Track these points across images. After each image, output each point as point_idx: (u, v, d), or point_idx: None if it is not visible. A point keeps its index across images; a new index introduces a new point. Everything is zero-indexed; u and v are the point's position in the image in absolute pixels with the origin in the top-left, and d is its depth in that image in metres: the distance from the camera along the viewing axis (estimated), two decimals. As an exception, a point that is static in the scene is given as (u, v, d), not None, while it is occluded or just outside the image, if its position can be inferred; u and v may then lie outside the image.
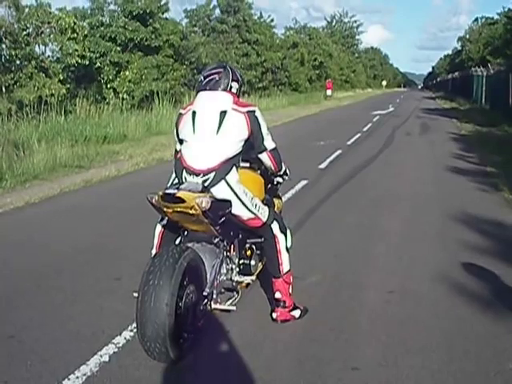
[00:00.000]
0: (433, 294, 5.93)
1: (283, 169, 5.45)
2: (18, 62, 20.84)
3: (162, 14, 28.99)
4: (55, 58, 23.02)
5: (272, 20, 50.98)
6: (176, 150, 5.13)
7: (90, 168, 13.67)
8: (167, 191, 4.48)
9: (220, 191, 4.62)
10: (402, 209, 9.81)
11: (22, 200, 10.07)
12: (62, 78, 21.86)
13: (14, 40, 20.14)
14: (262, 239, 5.15)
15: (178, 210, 4.40)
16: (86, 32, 23.23)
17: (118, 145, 17.52)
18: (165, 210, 4.50)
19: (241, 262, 5.25)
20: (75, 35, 22.18)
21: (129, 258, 6.78)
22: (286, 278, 5.11)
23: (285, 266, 5.08)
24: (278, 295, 5.12)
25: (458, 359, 4.54)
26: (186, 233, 4.94)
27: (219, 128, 4.72)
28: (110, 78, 26.06)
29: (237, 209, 4.70)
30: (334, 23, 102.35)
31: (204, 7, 42.68)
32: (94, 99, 24.11)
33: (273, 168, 5.22)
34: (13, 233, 8.32)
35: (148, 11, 26.96)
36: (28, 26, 21.27)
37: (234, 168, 4.76)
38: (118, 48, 26.39)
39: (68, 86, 22.75)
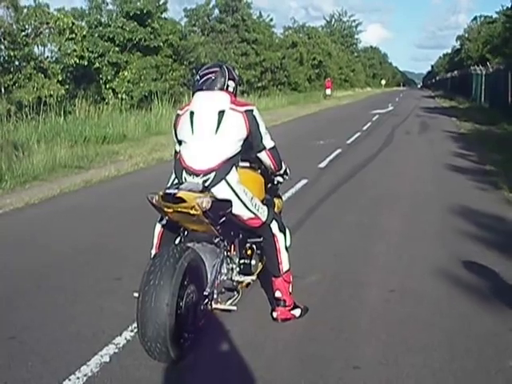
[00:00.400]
0: (433, 293, 5.93)
1: (283, 168, 5.44)
2: (16, 62, 20.84)
3: (161, 13, 28.97)
4: (54, 58, 23.00)
5: (271, 19, 51.08)
6: (176, 151, 5.13)
7: (89, 168, 13.67)
8: (168, 191, 4.48)
9: (220, 191, 4.62)
10: (402, 207, 9.81)
11: (21, 201, 10.07)
12: (60, 78, 21.85)
13: (13, 41, 20.14)
14: (262, 239, 5.16)
15: (179, 210, 4.40)
16: (84, 32, 23.22)
17: (118, 145, 17.51)
18: (165, 209, 4.50)
19: (241, 261, 5.25)
20: (74, 35, 22.18)
21: (129, 258, 6.78)
22: (286, 277, 5.11)
23: (284, 265, 5.08)
24: (278, 294, 5.12)
25: (458, 357, 4.54)
26: (185, 232, 4.94)
27: (218, 128, 4.72)
28: (109, 78, 26.05)
29: (237, 209, 4.70)
30: (333, 22, 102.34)
31: (204, 6, 42.69)
32: (93, 100, 24.11)
33: (272, 167, 5.22)
34: (13, 233, 8.31)
35: (146, 11, 26.94)
36: (27, 26, 21.30)
37: (234, 168, 4.75)
38: (117, 48, 26.38)
39: (67, 86, 22.74)
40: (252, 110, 4.86)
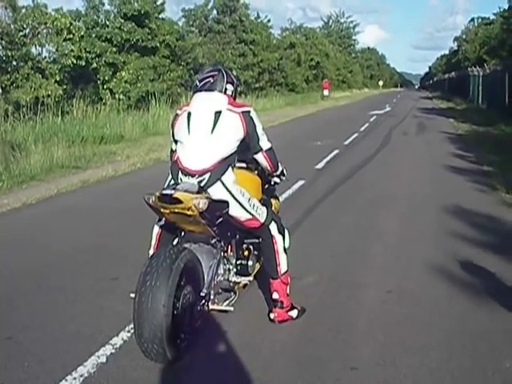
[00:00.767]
0: (430, 293, 5.93)
1: (280, 169, 5.43)
2: (14, 62, 20.85)
3: (158, 14, 28.96)
4: (52, 58, 23.00)
5: (269, 20, 51.02)
6: (172, 150, 5.12)
7: (86, 169, 13.66)
8: (164, 192, 4.47)
9: (216, 192, 4.61)
10: (399, 209, 9.82)
11: (19, 201, 10.07)
12: (58, 78, 21.86)
13: (11, 41, 20.15)
14: (260, 240, 5.15)
15: (175, 210, 4.39)
16: (82, 33, 23.22)
17: (115, 145, 17.51)
18: (162, 210, 4.50)
19: (238, 262, 5.24)
20: (71, 36, 22.18)
21: (127, 259, 6.77)
22: (284, 278, 5.11)
23: (282, 266, 5.08)
24: (275, 296, 5.12)
25: (456, 358, 4.54)
26: (182, 233, 4.94)
27: (214, 128, 4.71)
28: (107, 78, 26.05)
29: (234, 210, 4.69)
30: (330, 23, 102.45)
31: (202, 7, 42.68)
32: (90, 100, 24.08)
33: (269, 168, 5.22)
34: (10, 233, 8.31)
35: (143, 12, 26.93)
36: (24, 26, 21.28)
37: (230, 168, 4.74)
38: (114, 49, 26.37)
39: (64, 86, 22.76)
40: (249, 111, 4.86)
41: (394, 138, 21.32)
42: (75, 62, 22.54)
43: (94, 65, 25.48)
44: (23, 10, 21.14)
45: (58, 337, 4.92)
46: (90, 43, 25.18)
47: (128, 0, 27.13)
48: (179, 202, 4.32)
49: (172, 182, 4.79)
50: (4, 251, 7.44)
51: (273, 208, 5.60)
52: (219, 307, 4.93)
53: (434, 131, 23.77)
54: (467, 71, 48.09)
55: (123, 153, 16.11)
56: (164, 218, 4.81)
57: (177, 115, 5.03)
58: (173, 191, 4.43)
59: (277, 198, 6.08)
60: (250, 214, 4.81)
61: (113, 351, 4.65)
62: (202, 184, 4.59)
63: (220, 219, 4.58)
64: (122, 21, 26.70)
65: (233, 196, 4.68)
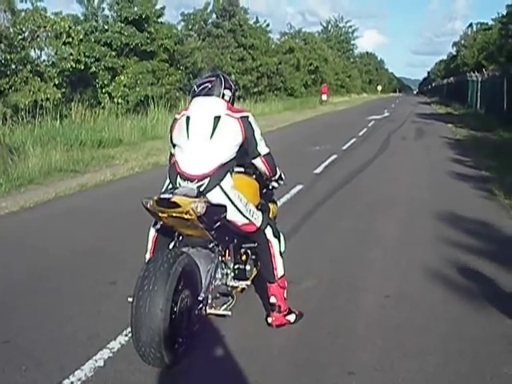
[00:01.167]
0: (428, 298, 5.94)
1: (278, 173, 5.45)
2: (13, 66, 20.79)
3: (157, 18, 28.97)
4: (50, 62, 22.98)
5: (268, 25, 51.10)
6: (171, 153, 5.12)
7: (85, 172, 13.64)
8: (162, 196, 4.48)
9: (215, 197, 4.61)
10: (397, 213, 9.82)
11: (16, 205, 10.06)
12: (57, 82, 21.81)
13: (10, 44, 20.12)
14: (256, 244, 5.16)
15: (173, 214, 4.39)
16: (81, 36, 23.21)
17: (114, 149, 17.49)
18: (160, 214, 4.49)
19: (236, 266, 5.25)
20: (70, 39, 22.17)
21: (125, 262, 6.75)
22: (281, 282, 5.11)
23: (279, 270, 5.08)
24: (272, 300, 5.12)
25: (453, 363, 4.55)
26: (180, 237, 4.93)
27: (213, 133, 4.72)
28: (105, 82, 26.03)
29: (231, 214, 4.70)
30: (329, 28, 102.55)
31: (201, 11, 42.73)
32: (89, 104, 24.07)
33: (267, 173, 5.23)
34: (8, 237, 8.30)
35: (144, 16, 26.97)
36: (23, 30, 21.25)
37: (229, 174, 4.76)
38: (113, 53, 26.37)
39: (63, 90, 22.70)
40: (247, 117, 4.87)
41: (393, 143, 21.34)
42: (74, 65, 22.51)
43: (93, 69, 25.46)
44: (22, 14, 21.11)
45: (55, 340, 4.91)
46: (89, 48, 25.17)
47: (128, 4, 27.16)
48: (177, 205, 4.32)
49: (170, 186, 4.79)
50: (1, 254, 7.43)
51: (271, 212, 5.62)
52: (217, 311, 4.92)
53: (432, 136, 23.80)
54: (466, 76, 48.16)
55: (121, 157, 16.10)
56: (160, 222, 4.82)
57: (175, 120, 5.03)
58: (171, 195, 4.44)
59: (275, 202, 6.08)
60: (247, 218, 4.82)
61: (110, 355, 4.64)
62: (202, 189, 4.59)
63: (218, 223, 4.58)
64: (122, 25, 26.71)
65: (231, 201, 4.69)
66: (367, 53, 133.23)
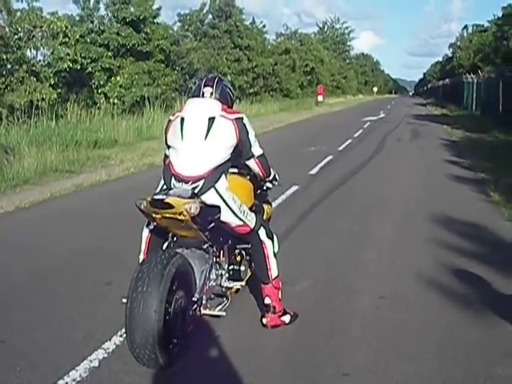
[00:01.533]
0: (423, 299, 5.94)
1: (272, 174, 5.46)
2: (9, 66, 20.77)
3: (153, 18, 28.97)
4: (46, 62, 22.96)
5: (264, 26, 51.15)
6: (165, 155, 5.12)
7: (80, 173, 13.62)
8: (156, 197, 4.47)
9: (209, 199, 4.61)
10: (393, 214, 9.82)
11: (12, 205, 10.04)
12: (53, 82, 21.80)
13: (6, 44, 20.08)
14: (250, 245, 5.16)
15: (167, 215, 4.38)
16: (77, 36, 23.19)
17: (109, 149, 17.47)
18: (153, 215, 4.48)
19: (230, 267, 5.24)
20: (67, 39, 22.15)
21: (121, 263, 6.73)
22: (275, 283, 5.11)
23: (273, 271, 5.08)
24: (267, 301, 5.12)
25: (448, 364, 4.55)
26: (174, 238, 4.91)
27: (207, 134, 4.72)
28: (101, 83, 26.05)
29: (225, 216, 4.70)
30: (325, 29, 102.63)
31: (197, 12, 42.75)
32: (85, 104, 24.08)
33: (261, 174, 5.23)
34: (2, 237, 8.28)
35: (141, 17, 26.97)
36: (19, 29, 21.22)
37: (223, 176, 4.76)
38: (110, 53, 26.37)
39: (59, 90, 22.69)
40: (242, 118, 4.88)
41: (388, 144, 21.36)
42: (71, 65, 22.50)
43: (89, 69, 25.47)
44: (18, 13, 21.08)
45: (50, 340, 4.90)
46: (85, 49, 25.16)
47: (125, 5, 27.15)
48: (171, 206, 4.31)
49: (164, 187, 4.79)
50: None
51: (265, 213, 5.62)
52: (211, 312, 4.93)
53: (427, 137, 23.83)
54: (461, 78, 48.20)
55: (117, 157, 16.09)
56: (154, 223, 4.81)
57: (170, 121, 5.04)
58: (164, 196, 4.43)
59: (269, 203, 6.08)
60: (241, 220, 4.82)
61: (105, 355, 4.64)
62: (196, 190, 4.59)
63: (212, 224, 4.57)
64: (119, 25, 26.70)
65: (225, 203, 4.69)
66: (363, 54, 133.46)
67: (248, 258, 5.36)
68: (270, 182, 5.62)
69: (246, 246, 5.23)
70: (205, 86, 4.99)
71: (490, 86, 33.29)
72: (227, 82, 5.21)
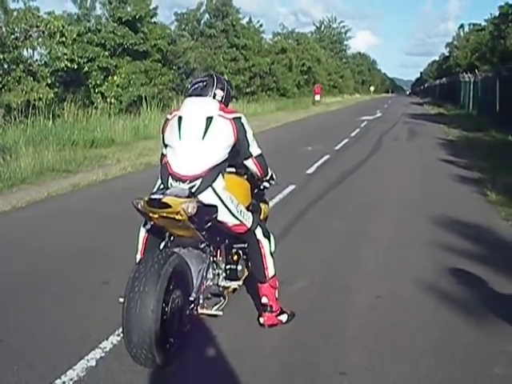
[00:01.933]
0: (420, 299, 5.94)
1: (269, 174, 5.46)
2: (5, 65, 20.74)
3: (150, 18, 28.94)
4: (43, 61, 22.92)
5: (261, 25, 51.15)
6: (162, 154, 5.11)
7: (77, 172, 13.63)
8: (153, 196, 4.47)
9: (207, 198, 4.61)
10: (390, 214, 9.82)
11: (8, 204, 10.04)
12: (50, 81, 21.75)
13: (2, 43, 20.04)
14: (247, 245, 5.16)
15: (164, 215, 4.38)
16: (74, 35, 23.15)
17: (106, 149, 17.48)
18: (150, 215, 4.48)
19: (227, 267, 5.24)
20: (64, 39, 22.10)
21: (117, 262, 6.74)
22: (272, 282, 5.11)
23: (270, 270, 5.08)
24: (264, 300, 5.12)
25: (445, 364, 4.55)
26: (171, 237, 4.91)
27: (205, 133, 4.71)
28: (98, 82, 26.01)
29: (223, 216, 4.70)
30: (322, 28, 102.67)
31: (194, 11, 42.72)
32: (81, 103, 24.00)
33: (259, 174, 5.24)
34: (-1, 237, 8.30)
35: (138, 17, 26.95)
36: (16, 29, 21.18)
37: (221, 175, 4.76)
38: (107, 53, 26.34)
39: (56, 90, 22.64)
40: (240, 118, 4.88)
41: (385, 144, 21.36)
42: (68, 64, 22.46)
43: (86, 68, 25.43)
44: (15, 13, 21.03)
45: (48, 340, 4.91)
46: (82, 48, 25.13)
47: (122, 4, 27.13)
48: (168, 206, 4.31)
49: (161, 186, 4.79)
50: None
51: (262, 212, 5.63)
52: (208, 312, 4.93)
53: (424, 137, 23.83)
54: (458, 77, 48.19)
55: (114, 157, 16.09)
56: (151, 223, 4.81)
57: (167, 120, 5.03)
58: (161, 196, 4.43)
59: (266, 202, 6.08)
60: (238, 219, 4.82)
61: (102, 355, 4.64)
62: (193, 190, 4.59)
63: (209, 224, 4.57)
64: (116, 25, 26.68)
65: (223, 202, 4.69)
66: (360, 53, 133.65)
67: (245, 257, 5.36)
68: (267, 181, 5.62)
69: (243, 245, 5.24)
70: (216, 87, 4.99)
71: (486, 85, 33.28)
72: (223, 79, 5.20)
